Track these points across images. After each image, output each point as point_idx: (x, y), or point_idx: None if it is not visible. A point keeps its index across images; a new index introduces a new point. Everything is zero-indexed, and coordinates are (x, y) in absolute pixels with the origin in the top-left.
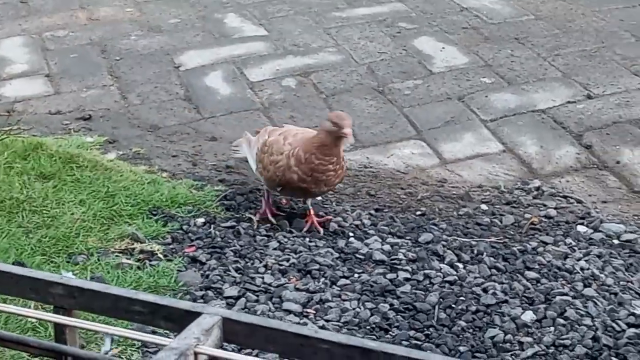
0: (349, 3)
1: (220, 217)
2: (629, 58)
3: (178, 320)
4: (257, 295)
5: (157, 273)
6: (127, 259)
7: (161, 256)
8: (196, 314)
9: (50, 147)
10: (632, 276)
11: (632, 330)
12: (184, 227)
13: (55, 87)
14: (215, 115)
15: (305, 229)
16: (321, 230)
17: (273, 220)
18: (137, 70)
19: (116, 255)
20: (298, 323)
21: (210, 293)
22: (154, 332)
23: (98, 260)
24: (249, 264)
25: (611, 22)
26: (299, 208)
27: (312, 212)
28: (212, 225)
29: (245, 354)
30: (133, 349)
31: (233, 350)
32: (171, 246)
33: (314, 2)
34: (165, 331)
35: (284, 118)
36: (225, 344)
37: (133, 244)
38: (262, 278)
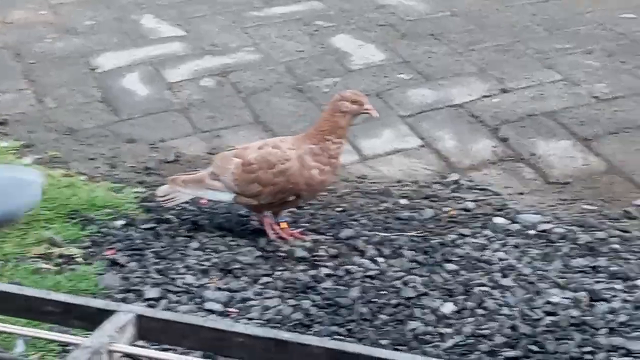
0: (266, 2)
1: (139, 219)
2: (543, 52)
3: (92, 319)
4: (179, 296)
5: (77, 277)
6: (46, 263)
7: (80, 260)
8: (110, 312)
9: None
10: (548, 265)
11: (549, 318)
12: (103, 230)
13: None
14: (133, 117)
15: (274, 236)
16: (290, 240)
17: (288, 237)
18: (53, 73)
19: (34, 260)
20: None
21: (131, 295)
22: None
23: (15, 266)
24: (169, 265)
25: (524, 16)
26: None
27: (284, 225)
28: (132, 228)
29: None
30: (52, 354)
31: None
32: (90, 249)
33: (231, 2)
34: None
35: (203, 118)
36: (141, 341)
37: (51, 249)
38: (183, 279)
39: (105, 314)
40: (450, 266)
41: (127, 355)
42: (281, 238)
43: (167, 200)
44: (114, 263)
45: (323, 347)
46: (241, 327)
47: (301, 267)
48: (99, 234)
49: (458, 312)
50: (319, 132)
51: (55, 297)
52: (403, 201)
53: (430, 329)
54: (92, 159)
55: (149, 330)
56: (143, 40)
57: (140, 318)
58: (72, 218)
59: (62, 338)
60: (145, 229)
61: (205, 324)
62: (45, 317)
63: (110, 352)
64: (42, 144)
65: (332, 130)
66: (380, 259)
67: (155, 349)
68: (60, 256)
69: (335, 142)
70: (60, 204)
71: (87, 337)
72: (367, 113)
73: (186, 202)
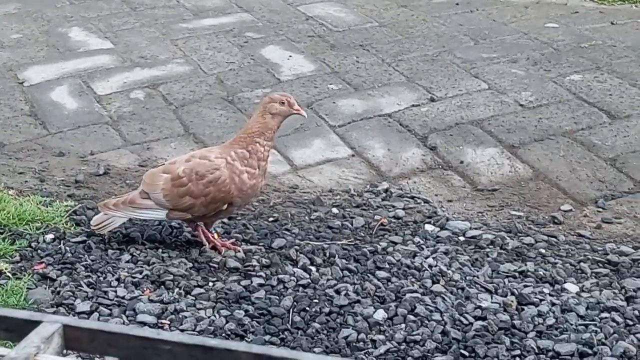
0: (195, 14)
1: (70, 232)
2: (469, 61)
3: (18, 330)
4: (110, 309)
5: (6, 292)
6: None
7: (9, 275)
8: (36, 323)
9: None
10: (477, 271)
11: (479, 322)
12: (33, 244)
13: None
14: (62, 130)
15: (209, 247)
16: (222, 250)
17: (208, 248)
18: None
19: None
20: None
21: (62, 309)
22: None
23: None
24: (101, 278)
25: (451, 27)
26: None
27: (216, 235)
28: (62, 241)
29: None
30: None
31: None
32: (20, 264)
33: (160, 14)
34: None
35: (134, 130)
36: (68, 350)
37: None
38: (115, 291)
39: (31, 324)
40: (382, 273)
41: None
42: (214, 248)
43: (102, 227)
44: (44, 277)
45: (250, 353)
46: (167, 335)
47: (234, 278)
48: (29, 248)
49: (390, 318)
50: (248, 135)
51: None
52: (334, 210)
53: (362, 336)
54: (20, 172)
55: (76, 340)
56: (71, 53)
57: (66, 328)
58: (1, 233)
59: None
60: (75, 242)
61: (132, 332)
62: None
63: None
64: None
65: (261, 133)
66: (312, 268)
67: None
68: None
69: (263, 145)
70: None
71: (6, 348)
72: (297, 114)
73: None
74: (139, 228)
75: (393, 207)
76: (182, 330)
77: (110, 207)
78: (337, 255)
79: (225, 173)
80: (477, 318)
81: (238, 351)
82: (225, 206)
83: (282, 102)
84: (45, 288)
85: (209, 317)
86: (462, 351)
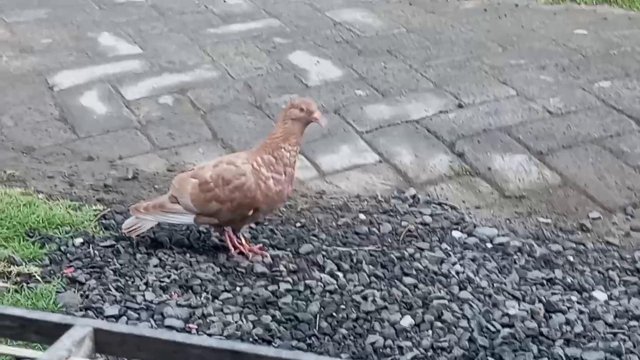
0: (223, 20)
1: (99, 236)
2: (497, 67)
3: (50, 334)
4: (139, 313)
5: (35, 295)
6: (4, 282)
7: (39, 278)
8: (68, 326)
9: None
10: (505, 278)
11: (507, 330)
12: (62, 248)
13: None
14: (91, 134)
15: (235, 252)
16: (250, 255)
17: (235, 253)
18: (10, 92)
19: None
20: None
21: (90, 313)
22: None
23: None
24: (129, 282)
25: (479, 33)
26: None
27: (244, 240)
28: (91, 245)
29: None
30: None
31: None
32: (49, 268)
33: (188, 19)
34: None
35: (162, 135)
36: (98, 354)
37: (9, 267)
38: (144, 295)
39: (62, 328)
40: (409, 280)
41: None
42: (241, 253)
43: (132, 230)
44: (73, 281)
45: (280, 358)
46: (197, 339)
47: (261, 283)
48: (58, 252)
49: (417, 325)
50: (273, 141)
51: (12, 311)
52: (362, 216)
53: (389, 342)
54: (50, 177)
55: (106, 344)
56: (101, 58)
57: (97, 331)
58: (31, 236)
59: (19, 353)
60: (104, 246)
61: (162, 337)
62: (2, 332)
63: None
64: None
65: (285, 138)
66: (339, 274)
67: None
68: (19, 274)
69: (289, 150)
70: (18, 222)
71: (39, 351)
72: (315, 121)
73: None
74: (167, 232)
75: (420, 213)
76: (209, 335)
77: (140, 210)
78: (364, 261)
79: (251, 179)
80: (504, 325)
81: (267, 356)
82: (251, 212)
83: (302, 109)
84: (74, 292)
85: (236, 322)
86: (489, 358)
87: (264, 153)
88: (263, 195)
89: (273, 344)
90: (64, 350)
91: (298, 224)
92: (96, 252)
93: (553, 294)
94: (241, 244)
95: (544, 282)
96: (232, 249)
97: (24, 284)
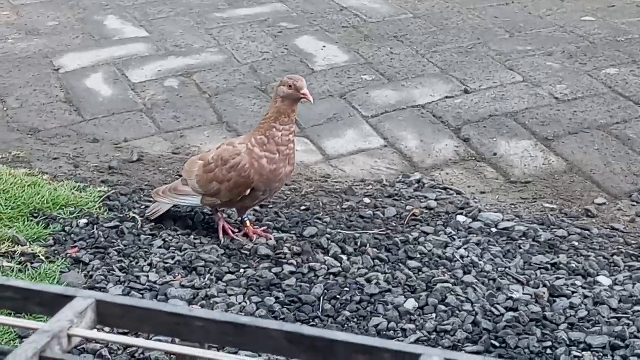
0: (230, 4)
1: (103, 217)
2: (504, 53)
3: (52, 305)
4: (142, 294)
5: (40, 275)
6: (8, 262)
7: (43, 258)
8: (70, 298)
9: None
10: (509, 262)
11: (510, 314)
12: (67, 228)
13: None
14: (97, 117)
15: (241, 234)
16: (254, 238)
17: (235, 236)
18: (15, 74)
19: None
20: None
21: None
22: None
23: None
24: (133, 263)
25: (486, 19)
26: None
27: (248, 223)
28: (95, 226)
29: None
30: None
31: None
32: (53, 248)
33: (194, 3)
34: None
35: (168, 118)
36: (100, 326)
37: (14, 247)
38: (147, 276)
39: (64, 299)
40: (413, 263)
41: (86, 339)
42: (246, 235)
43: (152, 214)
44: (77, 261)
45: (282, 331)
46: (200, 312)
47: (265, 265)
48: (63, 233)
49: (420, 308)
50: (266, 121)
51: (15, 283)
52: (366, 200)
53: (393, 325)
54: (55, 158)
55: (109, 316)
56: (106, 41)
57: (99, 303)
58: (35, 217)
59: (20, 323)
60: (108, 227)
61: (164, 309)
62: (4, 303)
63: (70, 336)
64: (4, 144)
65: (276, 118)
66: (343, 257)
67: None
68: (23, 254)
69: (280, 130)
70: (22, 202)
71: (40, 322)
72: (303, 98)
73: (151, 202)
74: (172, 214)
75: (425, 197)
76: None
77: (159, 194)
78: (368, 245)
79: (245, 158)
80: (508, 309)
81: (270, 329)
82: (249, 192)
83: (290, 86)
84: (78, 272)
85: (239, 304)
86: (492, 342)
87: (257, 134)
88: (257, 174)
89: None
90: (66, 321)
91: (303, 208)
92: (100, 233)
93: (557, 278)
94: (246, 227)
95: (549, 266)
96: (221, 236)
97: (28, 264)
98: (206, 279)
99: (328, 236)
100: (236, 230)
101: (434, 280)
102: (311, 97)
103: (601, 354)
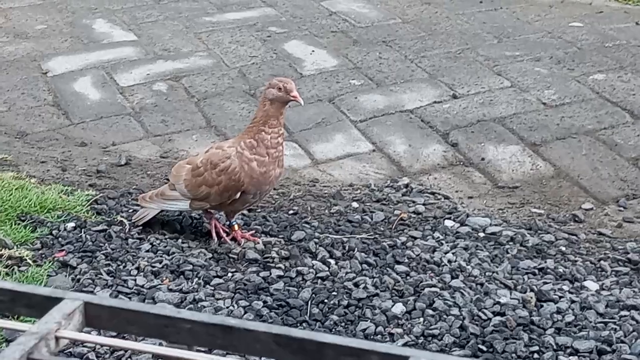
0: (219, 8)
1: (91, 221)
2: (492, 59)
3: (39, 307)
4: (130, 298)
5: (27, 279)
6: None
7: (30, 262)
8: (58, 300)
9: None
10: (497, 267)
11: (498, 318)
12: (54, 232)
13: None
14: (85, 120)
15: (229, 238)
16: (242, 242)
17: (228, 239)
18: (3, 77)
19: None
20: None
21: None
22: None
23: None
24: (121, 266)
25: (474, 24)
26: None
27: (236, 227)
28: (83, 230)
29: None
30: None
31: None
32: (41, 251)
33: (183, 7)
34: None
35: (156, 122)
36: (88, 328)
37: (1, 250)
38: (135, 280)
39: (52, 301)
40: (401, 268)
41: (74, 341)
42: (234, 239)
43: (139, 219)
44: (64, 265)
45: (269, 333)
46: (188, 314)
47: (253, 269)
48: (50, 236)
49: (408, 312)
50: (254, 124)
51: (2, 285)
52: (354, 204)
53: (380, 329)
54: (43, 162)
55: (97, 318)
56: (95, 44)
57: (87, 305)
58: (22, 220)
59: (8, 325)
60: (96, 231)
61: (152, 311)
62: None
63: (58, 338)
64: None
65: (265, 121)
66: (331, 261)
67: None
68: (10, 258)
69: (269, 132)
70: (10, 206)
71: (28, 324)
72: (293, 100)
73: (139, 207)
74: (160, 218)
75: (413, 202)
76: None
77: (146, 199)
78: (356, 249)
79: (235, 161)
80: (495, 314)
81: (257, 331)
82: (239, 195)
83: (280, 88)
84: (66, 275)
85: (227, 307)
86: (480, 346)
87: (246, 137)
88: (248, 177)
89: None
90: (54, 323)
91: (291, 212)
92: (88, 236)
93: (545, 283)
94: (234, 231)
95: (536, 271)
96: (216, 238)
97: (15, 268)
98: (194, 283)
99: (316, 240)
100: (226, 233)
101: (422, 284)
102: (301, 99)
103: (588, 359)
